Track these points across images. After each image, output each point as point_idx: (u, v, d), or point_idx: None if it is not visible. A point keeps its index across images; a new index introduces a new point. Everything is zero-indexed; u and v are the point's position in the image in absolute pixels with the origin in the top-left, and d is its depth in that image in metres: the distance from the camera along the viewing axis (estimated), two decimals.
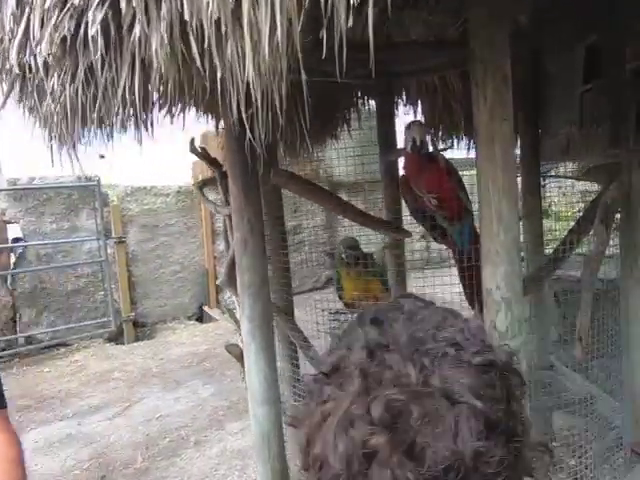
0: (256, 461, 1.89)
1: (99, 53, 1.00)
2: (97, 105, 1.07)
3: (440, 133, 3.51)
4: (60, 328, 5.82)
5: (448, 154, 3.94)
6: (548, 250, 2.81)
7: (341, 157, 3.07)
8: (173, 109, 2.33)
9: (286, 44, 0.90)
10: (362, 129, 3.40)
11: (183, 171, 6.82)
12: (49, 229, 5.70)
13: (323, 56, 0.95)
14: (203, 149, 2.21)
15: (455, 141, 3.49)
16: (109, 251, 5.91)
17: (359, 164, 2.92)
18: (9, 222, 5.67)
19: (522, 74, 2.67)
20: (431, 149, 1.94)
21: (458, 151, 3.59)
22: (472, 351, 0.47)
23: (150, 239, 6.39)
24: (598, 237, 1.69)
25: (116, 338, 6.03)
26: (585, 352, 1.75)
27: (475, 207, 1.54)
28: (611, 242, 1.83)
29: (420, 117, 3.46)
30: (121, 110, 1.08)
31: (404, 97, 3.37)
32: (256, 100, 0.95)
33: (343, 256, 1.94)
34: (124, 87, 1.05)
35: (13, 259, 5.79)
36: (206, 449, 3.56)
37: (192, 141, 2.08)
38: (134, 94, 1.05)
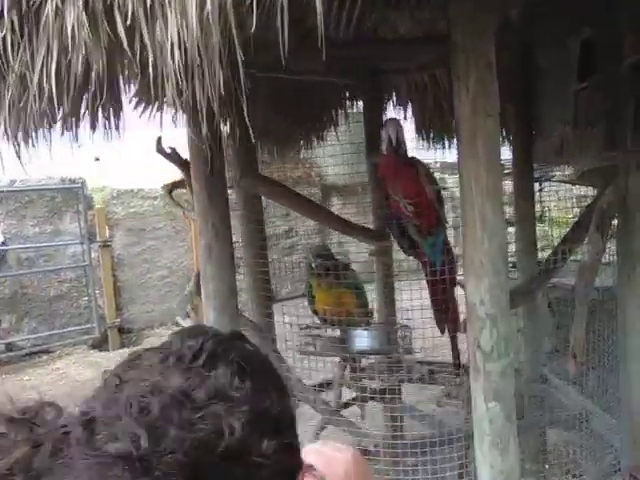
0: None
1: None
2: (9, 97, 0.92)
3: (431, 134, 3.38)
4: (42, 335, 5.64)
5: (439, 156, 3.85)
6: (543, 258, 2.68)
7: (334, 159, 2.94)
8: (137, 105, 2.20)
9: (218, 18, 0.75)
10: (350, 131, 3.27)
11: (173, 173, 6.67)
12: (31, 232, 5.53)
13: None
14: (173, 150, 2.06)
15: (447, 143, 3.36)
16: (93, 255, 5.74)
17: (351, 166, 2.78)
18: None
19: (513, 70, 2.54)
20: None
21: (451, 154, 3.46)
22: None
23: (137, 243, 6.23)
24: (593, 245, 1.55)
25: (100, 345, 5.86)
26: (579, 368, 1.60)
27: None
28: (607, 249, 1.69)
29: (410, 118, 3.33)
30: (38, 102, 0.92)
31: (394, 97, 3.24)
32: (188, 83, 0.80)
33: (313, 265, 1.77)
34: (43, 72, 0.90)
35: None
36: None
37: (159, 140, 1.93)
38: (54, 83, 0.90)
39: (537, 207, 3.03)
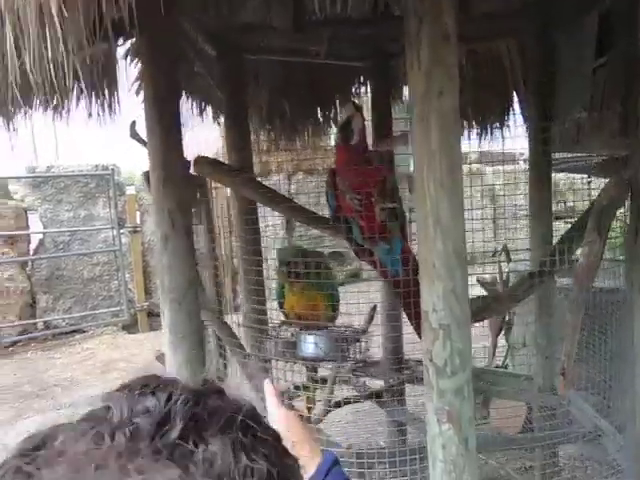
0: None
1: None
2: None
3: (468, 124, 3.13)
4: (75, 315, 5.82)
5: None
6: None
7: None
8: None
9: None
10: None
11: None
12: (66, 217, 5.69)
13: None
14: None
15: (465, 132, 3.10)
16: (124, 240, 5.85)
17: None
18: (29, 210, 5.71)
19: (530, 53, 2.28)
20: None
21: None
22: None
23: None
24: (590, 247, 1.32)
25: (130, 327, 5.99)
26: (569, 387, 1.39)
27: None
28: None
29: None
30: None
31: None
32: None
33: (283, 269, 1.60)
34: None
35: (33, 246, 5.85)
36: None
37: (133, 124, 1.84)
38: None
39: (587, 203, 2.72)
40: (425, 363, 1.14)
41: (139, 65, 1.91)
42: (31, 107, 2.16)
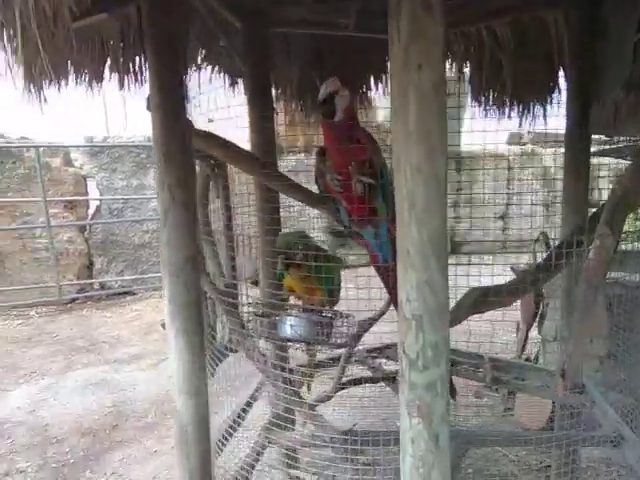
0: (177, 456, 1.70)
1: None
2: None
3: (490, 100, 2.94)
4: (127, 278, 6.13)
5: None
6: None
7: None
8: None
9: None
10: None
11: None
12: (120, 185, 5.95)
13: None
14: None
15: (507, 110, 2.90)
16: None
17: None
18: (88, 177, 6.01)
19: (575, 23, 2.07)
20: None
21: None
22: None
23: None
24: (601, 242, 1.19)
25: None
26: (567, 389, 1.29)
27: None
28: None
29: (466, 81, 2.91)
30: None
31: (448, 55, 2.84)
32: None
33: (281, 257, 1.55)
34: None
35: (91, 211, 6.18)
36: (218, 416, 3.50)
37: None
38: None
39: None
40: (399, 353, 1.08)
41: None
42: (102, 79, 2.24)
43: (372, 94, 3.01)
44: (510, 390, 3.09)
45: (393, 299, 1.47)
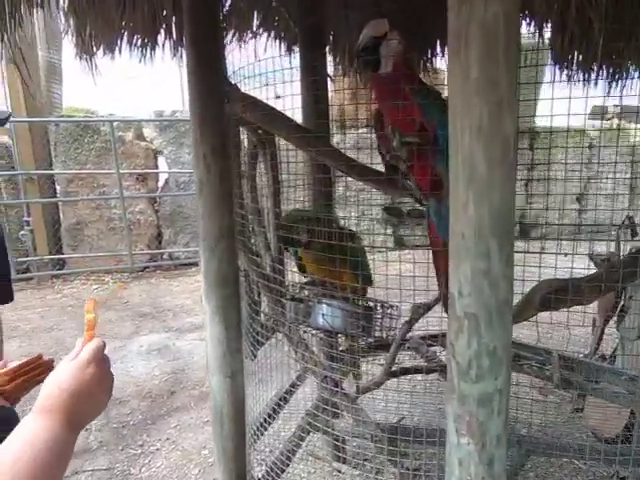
0: (212, 436, 1.62)
1: None
2: None
3: (574, 64, 2.55)
4: (192, 249, 6.25)
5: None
6: None
7: None
8: None
9: None
10: None
11: None
12: (187, 159, 6.00)
13: None
14: None
15: (594, 74, 2.50)
16: None
17: None
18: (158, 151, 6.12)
19: None
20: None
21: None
22: None
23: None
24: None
25: None
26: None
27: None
28: None
29: (547, 41, 2.53)
30: None
31: (526, 13, 2.47)
32: None
33: (280, 233, 1.35)
34: None
35: (161, 183, 6.31)
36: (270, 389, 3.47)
37: None
38: None
39: None
40: (447, 358, 0.88)
41: None
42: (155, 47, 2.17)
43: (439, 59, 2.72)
44: (579, 392, 2.76)
45: (437, 277, 1.24)
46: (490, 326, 0.81)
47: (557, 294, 1.07)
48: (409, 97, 1.08)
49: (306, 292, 1.36)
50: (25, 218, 5.71)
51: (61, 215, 6.01)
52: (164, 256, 6.42)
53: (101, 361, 0.71)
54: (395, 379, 2.20)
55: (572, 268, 1.44)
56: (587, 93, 2.57)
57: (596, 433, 2.56)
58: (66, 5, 1.63)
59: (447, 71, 0.77)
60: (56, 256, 6.00)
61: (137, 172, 5.93)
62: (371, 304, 1.34)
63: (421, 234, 6.00)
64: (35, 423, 0.64)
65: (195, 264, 6.37)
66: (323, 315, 1.19)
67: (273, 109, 1.29)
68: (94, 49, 1.96)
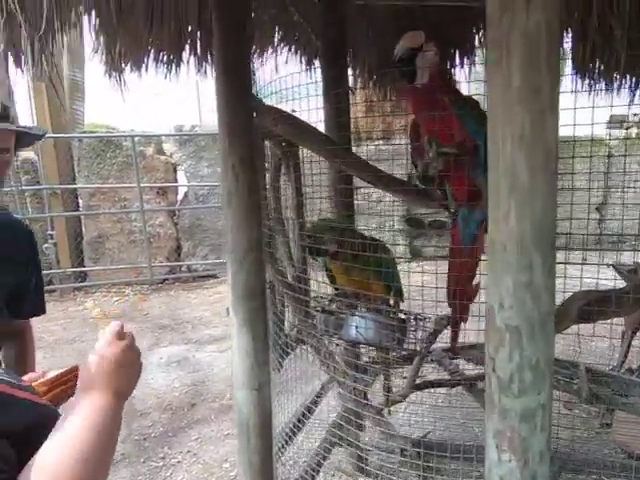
0: (237, 450, 1.60)
1: None
2: None
3: (596, 73, 2.52)
4: (210, 262, 6.28)
5: None
6: None
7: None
8: None
9: None
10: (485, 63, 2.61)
11: None
12: (206, 172, 6.07)
13: None
14: None
15: (616, 84, 2.47)
16: None
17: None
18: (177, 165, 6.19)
19: None
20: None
21: None
22: None
23: None
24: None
25: None
26: None
27: None
28: None
29: (567, 50, 2.50)
30: None
31: None
32: None
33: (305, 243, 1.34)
34: None
35: (180, 196, 6.38)
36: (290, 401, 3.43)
37: None
38: None
39: None
40: (487, 372, 0.86)
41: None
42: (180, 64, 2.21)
43: (457, 71, 2.71)
44: (607, 406, 2.67)
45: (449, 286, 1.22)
46: (532, 339, 0.79)
47: (597, 305, 1.04)
48: (447, 108, 1.07)
49: (335, 304, 1.34)
50: (49, 232, 5.80)
51: (83, 228, 6.10)
52: (182, 268, 6.46)
53: (124, 335, 0.78)
54: (418, 392, 2.17)
55: (598, 279, 1.41)
56: (611, 102, 2.53)
57: (626, 449, 2.47)
58: (97, 24, 1.66)
59: (487, 80, 0.76)
60: (78, 269, 6.08)
61: (157, 186, 6.01)
62: (403, 316, 1.32)
63: (438, 245, 5.94)
64: (85, 403, 0.69)
65: (213, 276, 6.40)
66: (357, 327, 1.17)
67: (303, 122, 1.29)
68: (123, 66, 1.99)
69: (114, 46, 1.95)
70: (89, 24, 1.63)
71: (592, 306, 1.06)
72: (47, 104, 5.60)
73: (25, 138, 1.22)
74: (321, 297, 1.41)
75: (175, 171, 6.22)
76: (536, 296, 0.77)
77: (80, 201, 6.08)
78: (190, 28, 2.13)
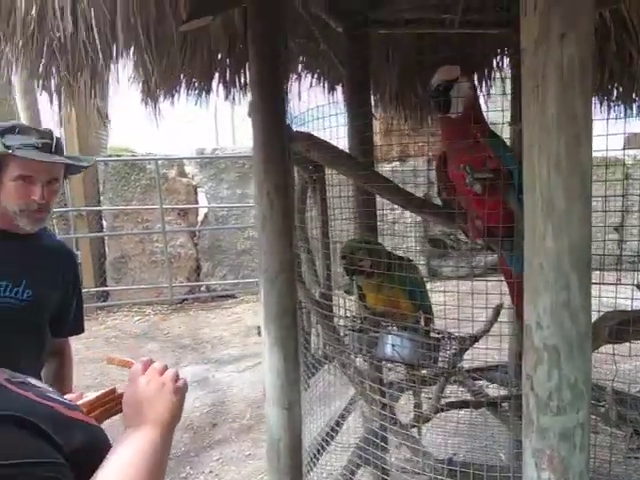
0: (268, 470, 1.60)
1: None
2: None
3: (614, 97, 2.54)
4: (229, 282, 6.33)
5: None
6: None
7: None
8: None
9: None
10: (504, 94, 2.65)
11: None
12: (225, 194, 6.17)
13: None
14: None
15: (635, 108, 2.49)
16: None
17: None
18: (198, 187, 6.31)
19: None
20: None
21: None
22: None
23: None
24: None
25: None
26: None
27: None
28: None
29: None
30: None
31: None
32: None
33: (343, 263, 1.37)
34: None
35: (200, 218, 6.48)
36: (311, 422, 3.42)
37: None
38: None
39: None
40: (524, 390, 0.87)
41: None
42: (210, 91, 2.30)
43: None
44: (635, 429, 2.61)
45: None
46: (571, 358, 0.80)
47: (632, 325, 1.05)
48: (478, 137, 1.11)
49: (367, 323, 1.36)
50: (74, 252, 5.93)
51: (107, 249, 6.22)
52: (202, 288, 6.52)
53: (149, 369, 0.79)
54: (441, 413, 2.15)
55: (616, 298, 1.41)
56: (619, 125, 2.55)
57: None
58: (136, 56, 1.74)
59: (522, 107, 0.80)
60: (101, 288, 6.18)
61: (179, 207, 6.12)
62: (435, 335, 1.33)
63: (455, 266, 5.93)
64: (132, 438, 0.71)
65: (232, 296, 6.44)
66: (393, 346, 1.19)
67: (336, 148, 1.33)
68: (158, 95, 2.08)
69: (150, 76, 2.05)
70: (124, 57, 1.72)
71: (624, 326, 1.06)
72: (76, 131, 5.79)
73: (73, 168, 1.29)
74: (354, 316, 1.43)
75: (196, 193, 6.34)
76: (574, 315, 0.79)
77: (104, 222, 6.22)
78: (220, 56, 2.22)
